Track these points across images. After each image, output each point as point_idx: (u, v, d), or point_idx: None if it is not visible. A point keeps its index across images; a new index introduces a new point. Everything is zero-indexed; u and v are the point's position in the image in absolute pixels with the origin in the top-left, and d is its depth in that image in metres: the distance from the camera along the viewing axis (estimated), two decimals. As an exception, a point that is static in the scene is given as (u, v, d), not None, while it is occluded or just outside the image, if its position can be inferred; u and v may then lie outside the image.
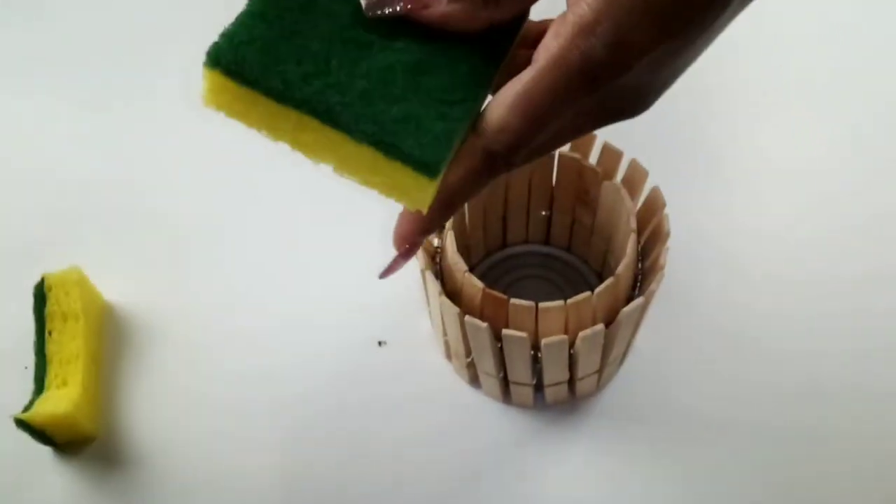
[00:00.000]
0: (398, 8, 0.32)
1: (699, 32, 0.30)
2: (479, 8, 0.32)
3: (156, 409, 0.53)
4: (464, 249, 0.53)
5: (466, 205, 0.51)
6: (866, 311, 0.55)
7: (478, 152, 0.33)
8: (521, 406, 0.52)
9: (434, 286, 0.46)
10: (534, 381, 0.49)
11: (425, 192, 0.32)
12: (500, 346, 0.46)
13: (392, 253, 0.38)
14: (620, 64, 0.30)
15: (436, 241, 0.51)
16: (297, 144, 0.32)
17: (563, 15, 0.31)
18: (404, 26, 0.33)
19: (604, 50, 0.29)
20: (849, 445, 0.50)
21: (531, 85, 0.31)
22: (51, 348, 0.53)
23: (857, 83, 0.67)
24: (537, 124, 0.32)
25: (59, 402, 0.49)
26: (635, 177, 0.50)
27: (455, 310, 0.45)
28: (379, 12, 0.33)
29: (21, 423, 0.49)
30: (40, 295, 0.54)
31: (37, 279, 0.54)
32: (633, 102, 0.33)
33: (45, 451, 0.51)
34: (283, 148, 0.63)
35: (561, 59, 0.30)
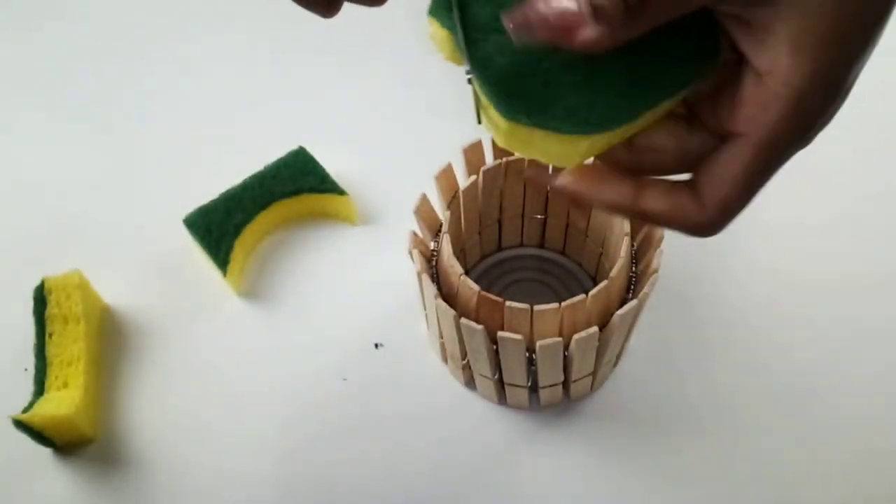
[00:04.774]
0: (549, 33, 0.30)
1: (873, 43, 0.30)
2: (621, 25, 0.30)
3: (154, 412, 0.54)
4: (460, 253, 0.54)
5: (462, 208, 0.51)
6: (861, 312, 0.56)
7: (687, 219, 0.33)
8: (517, 407, 0.53)
9: (430, 289, 0.47)
10: (529, 383, 0.49)
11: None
12: (495, 348, 0.46)
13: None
14: (834, 108, 0.30)
15: (432, 245, 0.51)
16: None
17: (758, 79, 0.29)
18: None
19: (821, 104, 0.29)
20: (843, 445, 0.51)
21: (753, 162, 0.30)
22: (51, 351, 0.53)
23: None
24: (757, 193, 0.32)
25: (60, 403, 0.50)
26: (629, 181, 0.51)
27: (451, 312, 0.45)
28: (526, 37, 0.31)
29: (20, 424, 0.49)
30: (40, 298, 0.54)
31: (37, 283, 0.55)
32: (822, 129, 0.33)
33: (45, 451, 0.52)
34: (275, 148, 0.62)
35: (779, 131, 0.29)
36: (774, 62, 0.29)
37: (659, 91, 0.32)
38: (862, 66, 0.30)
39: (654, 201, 0.33)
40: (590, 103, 0.32)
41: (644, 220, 0.34)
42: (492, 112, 0.33)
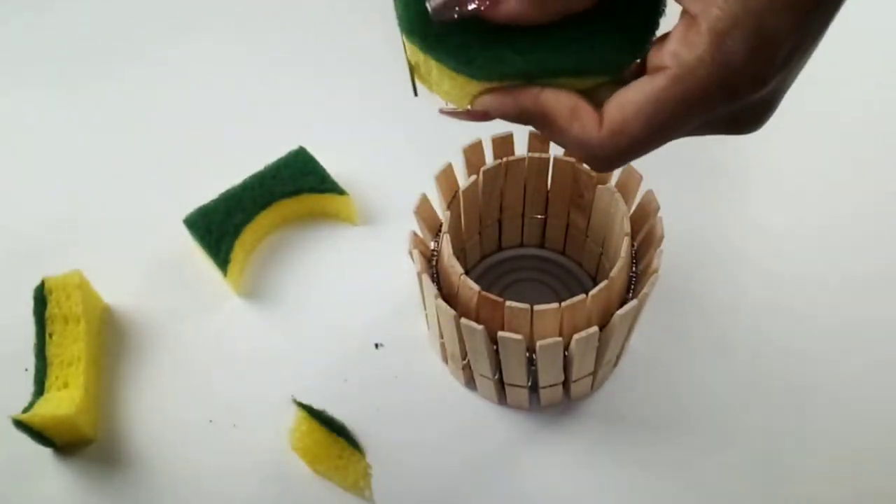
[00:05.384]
0: (469, 7, 0.31)
1: (823, 29, 0.29)
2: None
3: (154, 411, 0.53)
4: (460, 253, 0.54)
5: (462, 208, 0.51)
6: (862, 312, 0.56)
7: (584, 133, 0.32)
8: (517, 407, 0.53)
9: (430, 289, 0.47)
10: (529, 383, 0.49)
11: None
12: (495, 348, 0.46)
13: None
14: (760, 73, 0.29)
15: (432, 245, 0.51)
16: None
17: (690, 21, 0.29)
18: None
19: (744, 57, 0.28)
20: (843, 445, 0.51)
21: (663, 93, 0.29)
22: (51, 351, 0.53)
23: (849, 87, 0.68)
24: (660, 133, 0.30)
25: (61, 403, 0.50)
26: (629, 181, 0.51)
27: (451, 312, 0.45)
28: (447, 16, 0.32)
29: (20, 424, 0.49)
30: (40, 298, 0.54)
31: (37, 283, 0.55)
32: (758, 116, 0.32)
33: (45, 451, 0.52)
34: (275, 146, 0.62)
35: (698, 68, 0.28)
36: (705, 4, 0.29)
37: (564, 67, 0.32)
38: (800, 35, 0.29)
39: (555, 99, 0.32)
40: (490, 52, 0.32)
41: (542, 124, 0.33)
42: (403, 40, 0.34)
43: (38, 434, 0.50)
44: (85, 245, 0.61)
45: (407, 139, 0.65)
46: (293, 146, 0.61)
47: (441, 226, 0.52)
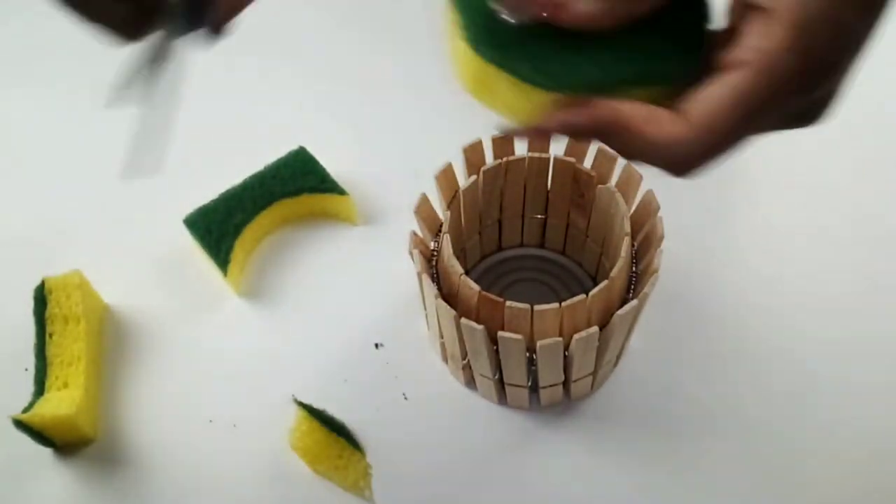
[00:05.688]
0: (536, 12, 0.31)
1: (882, 21, 0.29)
2: (616, 3, 0.31)
3: (154, 411, 0.53)
4: (460, 253, 0.54)
5: (462, 208, 0.51)
6: (859, 312, 0.56)
7: (671, 143, 0.31)
8: (517, 408, 0.53)
9: (430, 289, 0.47)
10: (529, 383, 0.49)
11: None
12: (495, 348, 0.46)
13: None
14: (838, 61, 0.29)
15: (432, 245, 0.51)
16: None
17: (763, 14, 0.29)
18: None
19: (824, 46, 0.28)
20: (842, 444, 0.51)
21: (749, 85, 0.29)
22: (51, 351, 0.53)
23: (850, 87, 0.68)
24: (746, 127, 0.30)
25: (61, 403, 0.50)
26: (629, 180, 0.51)
27: (451, 312, 0.45)
28: (517, 19, 0.32)
29: (20, 424, 0.49)
30: (40, 298, 0.54)
31: (37, 283, 0.55)
32: (828, 105, 0.32)
33: (45, 451, 0.52)
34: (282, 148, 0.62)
35: (783, 58, 0.28)
36: None
37: (632, 76, 0.33)
38: (868, 24, 0.29)
39: (630, 107, 0.32)
40: (563, 60, 0.32)
41: (620, 134, 0.32)
42: (462, 51, 0.34)
43: (38, 434, 0.50)
44: (85, 245, 0.61)
45: (407, 139, 0.65)
46: (293, 146, 0.61)
47: (441, 226, 0.52)
